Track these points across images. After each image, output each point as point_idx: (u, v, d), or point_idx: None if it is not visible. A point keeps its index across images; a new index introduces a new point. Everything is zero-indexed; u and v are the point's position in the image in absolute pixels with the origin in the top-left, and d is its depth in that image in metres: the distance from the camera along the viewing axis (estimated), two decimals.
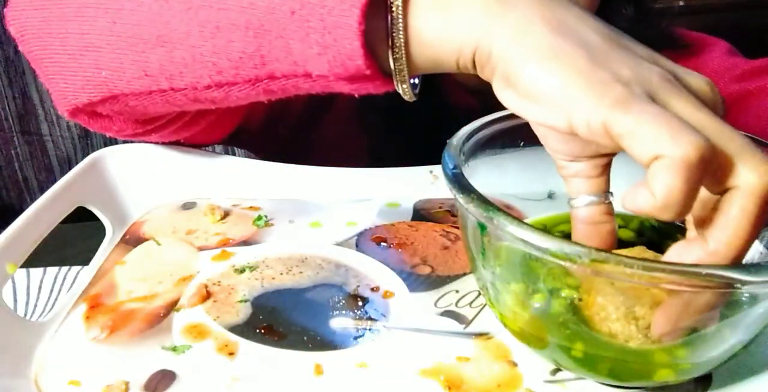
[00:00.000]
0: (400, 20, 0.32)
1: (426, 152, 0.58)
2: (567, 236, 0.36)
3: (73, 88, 0.41)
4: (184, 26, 0.36)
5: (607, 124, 0.27)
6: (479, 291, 0.41)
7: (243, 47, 0.35)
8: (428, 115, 0.62)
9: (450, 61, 0.32)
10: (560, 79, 0.28)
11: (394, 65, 0.33)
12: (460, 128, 0.38)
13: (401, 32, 0.32)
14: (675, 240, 0.30)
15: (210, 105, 0.40)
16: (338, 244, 0.46)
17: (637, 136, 0.26)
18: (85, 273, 0.43)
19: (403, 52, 0.33)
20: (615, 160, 0.35)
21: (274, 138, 0.65)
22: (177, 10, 0.36)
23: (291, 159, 0.55)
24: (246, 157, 0.59)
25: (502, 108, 0.32)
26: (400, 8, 0.32)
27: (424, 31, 0.32)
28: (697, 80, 0.30)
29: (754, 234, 0.27)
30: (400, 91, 0.35)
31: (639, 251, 0.36)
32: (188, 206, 0.51)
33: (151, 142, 0.52)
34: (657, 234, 0.41)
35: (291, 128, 0.66)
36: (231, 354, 0.36)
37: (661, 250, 0.32)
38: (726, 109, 0.31)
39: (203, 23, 0.35)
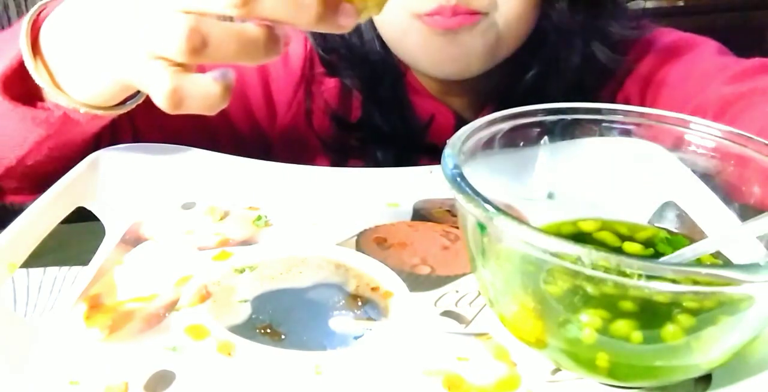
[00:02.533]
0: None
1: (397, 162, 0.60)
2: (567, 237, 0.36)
3: None
4: None
5: None
6: (479, 291, 0.41)
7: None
8: (397, 125, 0.63)
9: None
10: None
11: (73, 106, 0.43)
12: (430, 136, 0.38)
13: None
14: None
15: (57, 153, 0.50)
16: (338, 244, 0.46)
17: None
18: (84, 274, 0.43)
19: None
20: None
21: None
22: None
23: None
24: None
25: (470, 111, 0.32)
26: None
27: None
28: None
29: None
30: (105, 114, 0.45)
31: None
32: (188, 206, 0.51)
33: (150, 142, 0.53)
34: (670, 246, 0.40)
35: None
36: (231, 354, 0.36)
37: None
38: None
39: None
